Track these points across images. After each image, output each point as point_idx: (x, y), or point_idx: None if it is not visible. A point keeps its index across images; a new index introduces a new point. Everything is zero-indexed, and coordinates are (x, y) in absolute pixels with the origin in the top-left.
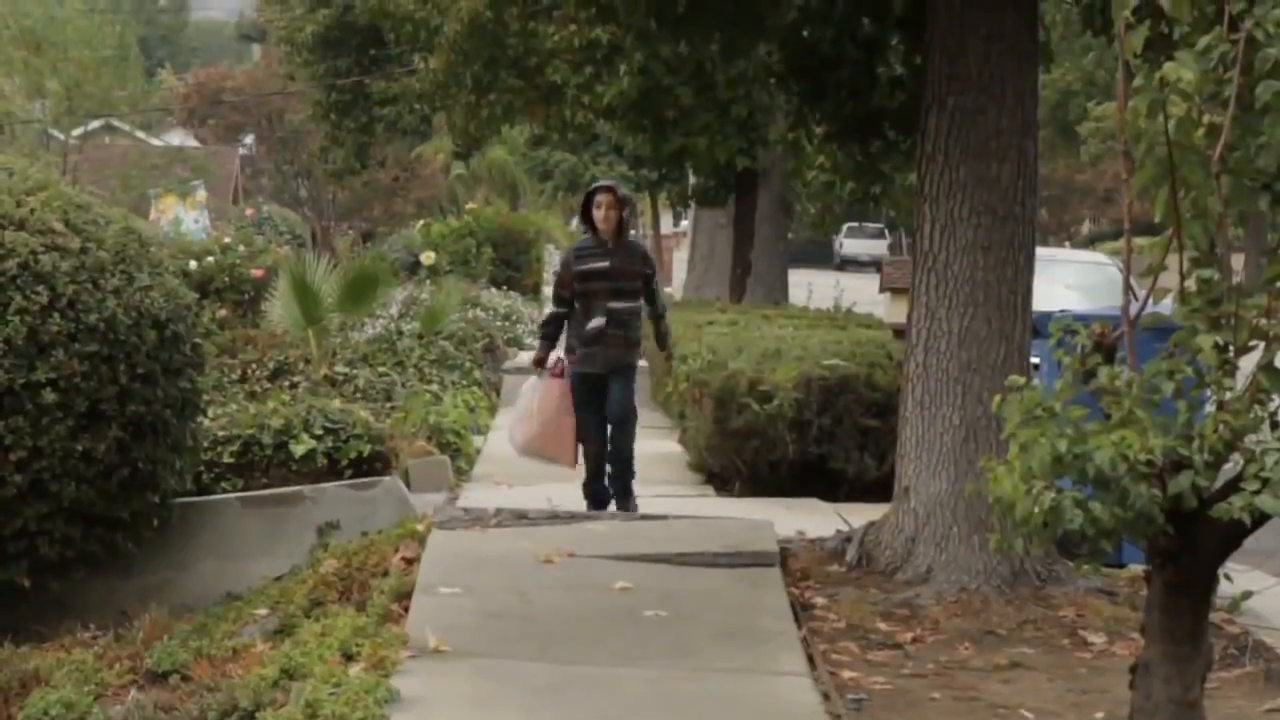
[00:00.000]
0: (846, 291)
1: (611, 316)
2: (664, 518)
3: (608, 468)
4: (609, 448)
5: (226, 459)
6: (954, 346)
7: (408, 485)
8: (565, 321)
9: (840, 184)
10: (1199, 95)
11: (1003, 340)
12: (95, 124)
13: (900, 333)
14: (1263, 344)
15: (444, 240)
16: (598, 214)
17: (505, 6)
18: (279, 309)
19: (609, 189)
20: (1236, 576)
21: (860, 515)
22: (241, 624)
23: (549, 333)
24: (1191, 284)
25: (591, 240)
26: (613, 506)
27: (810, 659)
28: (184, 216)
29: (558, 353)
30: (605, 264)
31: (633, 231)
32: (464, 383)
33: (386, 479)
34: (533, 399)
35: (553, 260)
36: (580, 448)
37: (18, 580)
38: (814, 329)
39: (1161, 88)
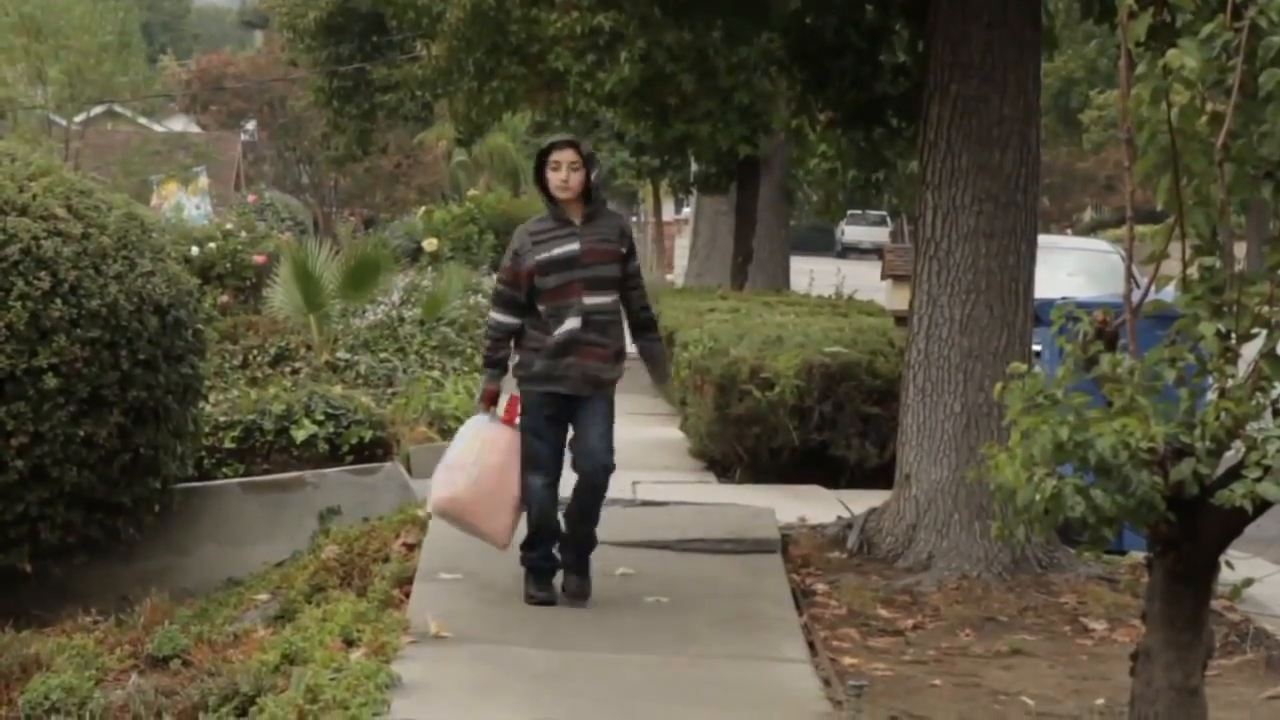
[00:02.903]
0: (848, 279)
1: (588, 317)
2: (665, 504)
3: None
4: (574, 505)
5: (228, 444)
6: (956, 334)
7: (409, 471)
8: (517, 335)
9: (843, 171)
10: (1202, 83)
11: (1004, 327)
12: (97, 110)
13: (902, 320)
14: (1265, 331)
15: (446, 227)
16: (554, 177)
17: None
18: (281, 295)
19: (569, 143)
20: (1238, 564)
21: (861, 502)
22: (242, 609)
23: (498, 356)
24: (1194, 271)
25: (550, 218)
26: (557, 582)
27: (811, 645)
28: (186, 202)
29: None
30: (574, 247)
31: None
32: (465, 369)
33: (388, 465)
34: (473, 446)
35: None
36: (519, 515)
37: (19, 565)
38: (815, 316)
39: (1164, 75)
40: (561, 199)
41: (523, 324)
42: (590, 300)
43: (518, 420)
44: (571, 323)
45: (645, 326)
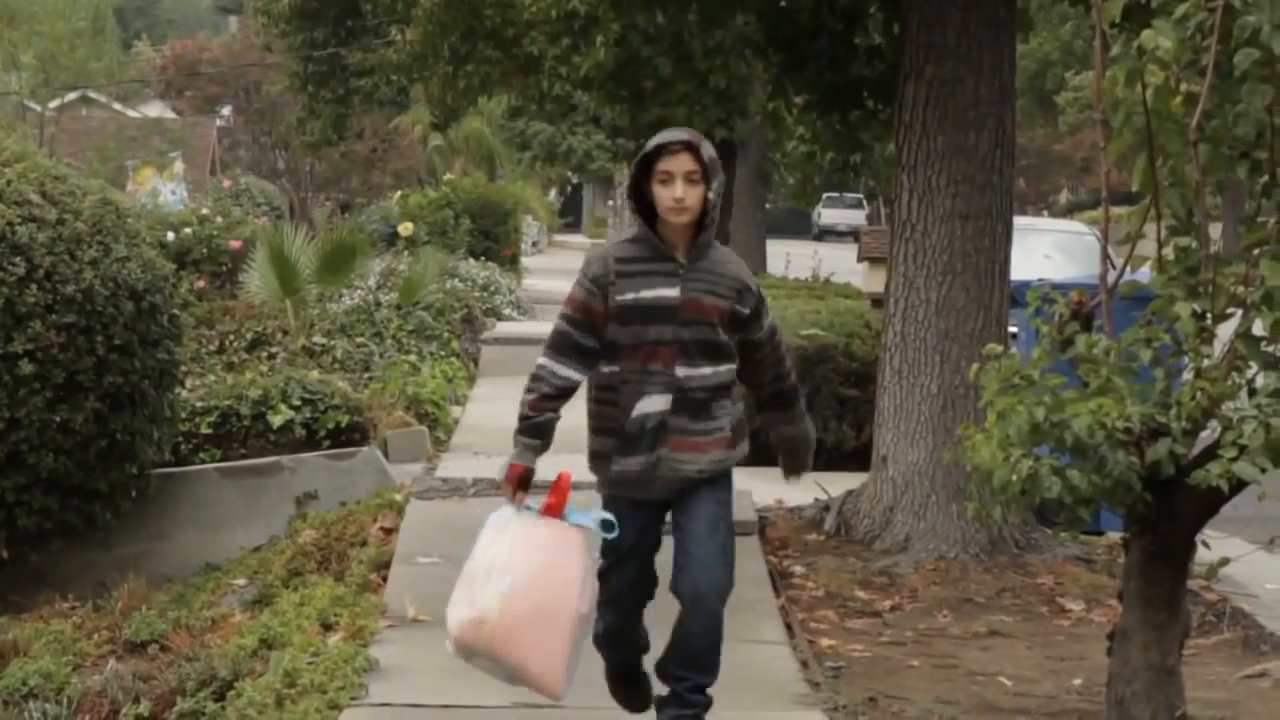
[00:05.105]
0: (825, 261)
1: (681, 395)
2: None
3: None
4: (676, 647)
5: (204, 430)
6: (932, 315)
7: (386, 455)
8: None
9: (820, 154)
10: (1176, 63)
11: (980, 309)
12: (72, 96)
13: (878, 302)
14: (1240, 311)
15: (422, 211)
16: (665, 195)
17: None
18: (257, 280)
19: (686, 145)
20: (1214, 543)
21: (839, 484)
22: (220, 594)
23: (541, 419)
24: (1169, 252)
25: (644, 243)
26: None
27: (789, 627)
28: (161, 188)
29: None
30: (671, 293)
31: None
32: (442, 353)
33: (364, 449)
34: (500, 546)
35: (530, 231)
36: (578, 646)
37: None
38: (792, 299)
39: (1139, 56)
40: (673, 223)
41: (585, 377)
42: (684, 371)
43: (569, 510)
44: (656, 401)
45: (780, 401)
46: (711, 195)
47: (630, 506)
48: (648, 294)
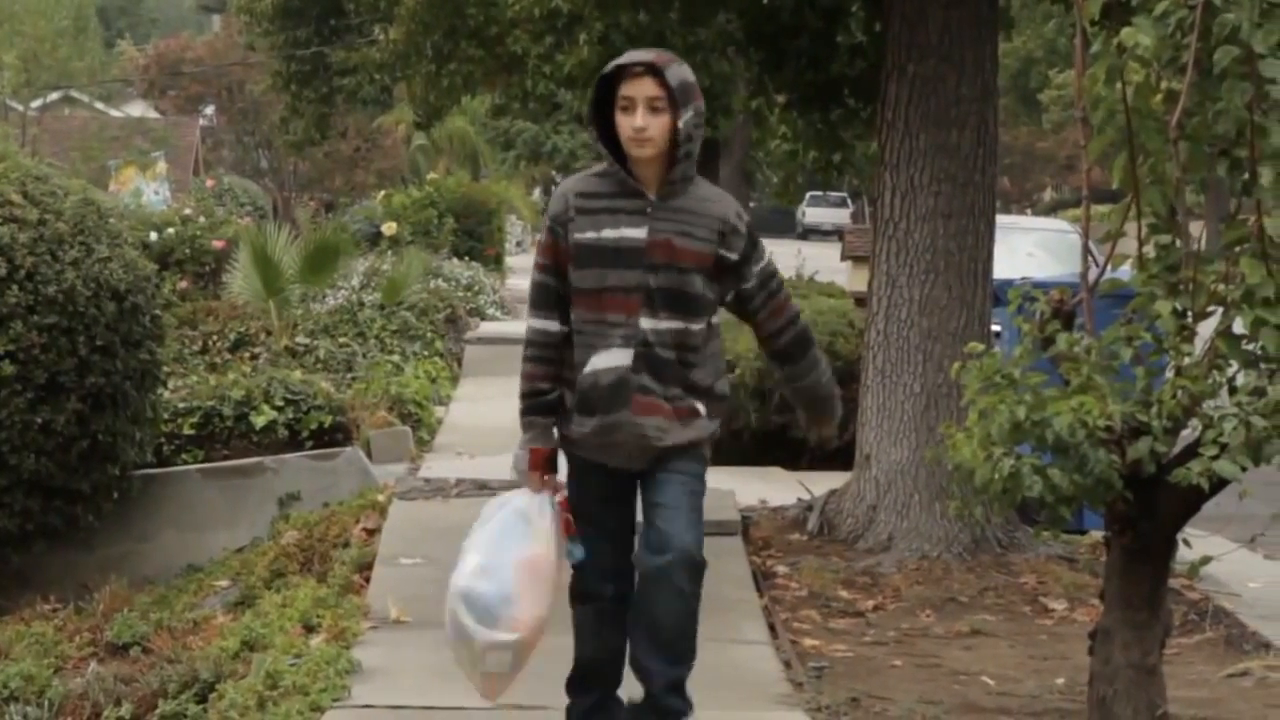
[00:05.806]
0: (808, 260)
1: (643, 349)
2: None
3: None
4: (638, 626)
5: (187, 430)
6: (915, 314)
7: (369, 456)
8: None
9: (802, 152)
10: (1157, 61)
11: (963, 308)
12: (54, 95)
13: (861, 301)
14: (1221, 309)
15: (405, 211)
16: (625, 121)
17: None
18: (240, 280)
19: (649, 68)
20: (1196, 542)
21: (822, 483)
22: (202, 596)
23: (541, 394)
24: (1150, 250)
25: (611, 177)
26: None
27: (772, 627)
28: (144, 188)
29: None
30: (637, 233)
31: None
32: (426, 353)
33: (348, 450)
34: (525, 538)
35: (514, 231)
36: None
37: None
38: None
39: (1119, 54)
40: (635, 156)
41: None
42: (649, 323)
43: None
44: (616, 355)
45: (789, 354)
46: (681, 125)
47: (592, 470)
48: (610, 233)
